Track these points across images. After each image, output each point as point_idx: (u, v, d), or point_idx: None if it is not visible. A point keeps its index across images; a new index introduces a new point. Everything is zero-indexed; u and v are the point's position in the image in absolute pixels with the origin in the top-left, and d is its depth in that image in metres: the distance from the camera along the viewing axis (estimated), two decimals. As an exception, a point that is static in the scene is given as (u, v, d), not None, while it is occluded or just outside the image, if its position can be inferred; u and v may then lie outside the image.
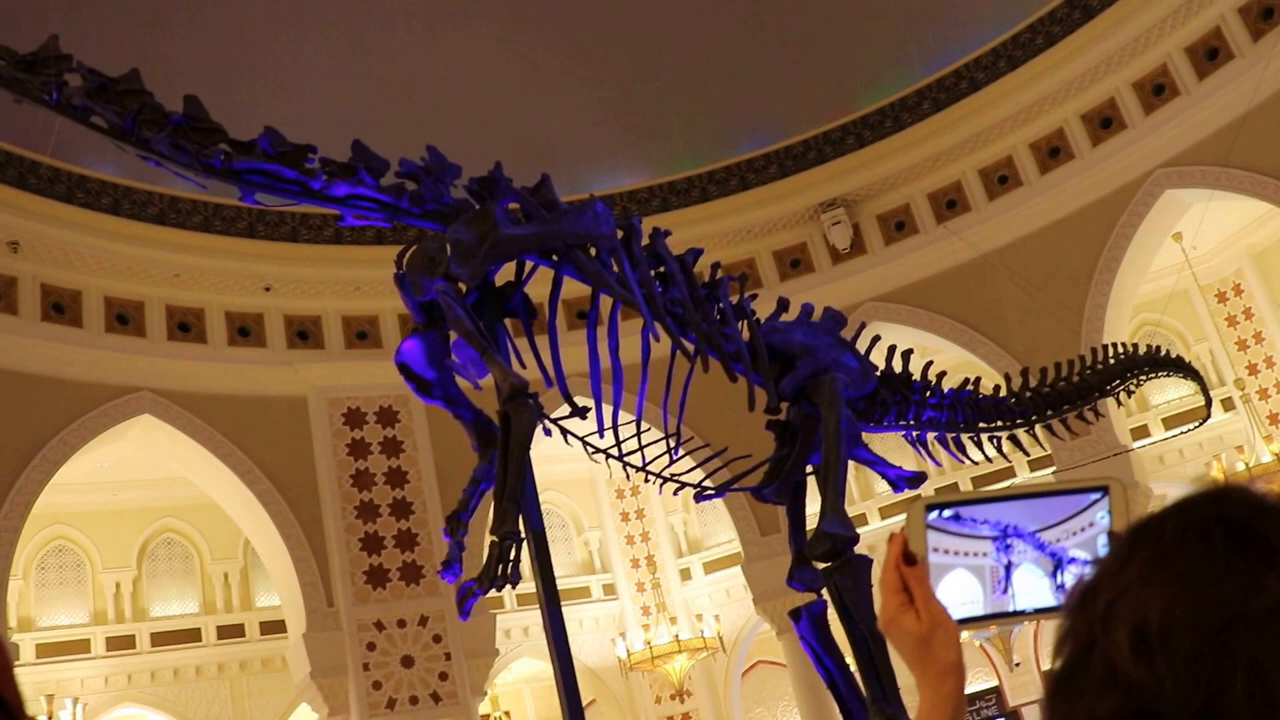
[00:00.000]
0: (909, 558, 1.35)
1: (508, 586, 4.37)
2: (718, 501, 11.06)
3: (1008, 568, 1.36)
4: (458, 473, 8.92)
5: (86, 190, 12.17)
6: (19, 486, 11.21)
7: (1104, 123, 13.30)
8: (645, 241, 5.41)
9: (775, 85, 14.84)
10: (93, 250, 12.15)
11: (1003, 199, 13.79)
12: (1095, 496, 1.35)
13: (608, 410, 5.37)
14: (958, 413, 6.66)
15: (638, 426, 5.65)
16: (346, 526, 12.81)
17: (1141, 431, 15.45)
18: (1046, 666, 13.50)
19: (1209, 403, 11.74)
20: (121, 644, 15.31)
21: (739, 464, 5.74)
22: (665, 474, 5.86)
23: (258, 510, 12.65)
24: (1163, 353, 9.13)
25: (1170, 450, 15.39)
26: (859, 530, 5.60)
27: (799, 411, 5.62)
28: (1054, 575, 1.35)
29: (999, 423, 7.10)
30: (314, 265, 13.43)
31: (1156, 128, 12.86)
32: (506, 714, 16.59)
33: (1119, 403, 9.08)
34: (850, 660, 5.33)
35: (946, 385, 6.73)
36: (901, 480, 5.95)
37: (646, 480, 5.90)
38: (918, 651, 1.33)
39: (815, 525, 5.25)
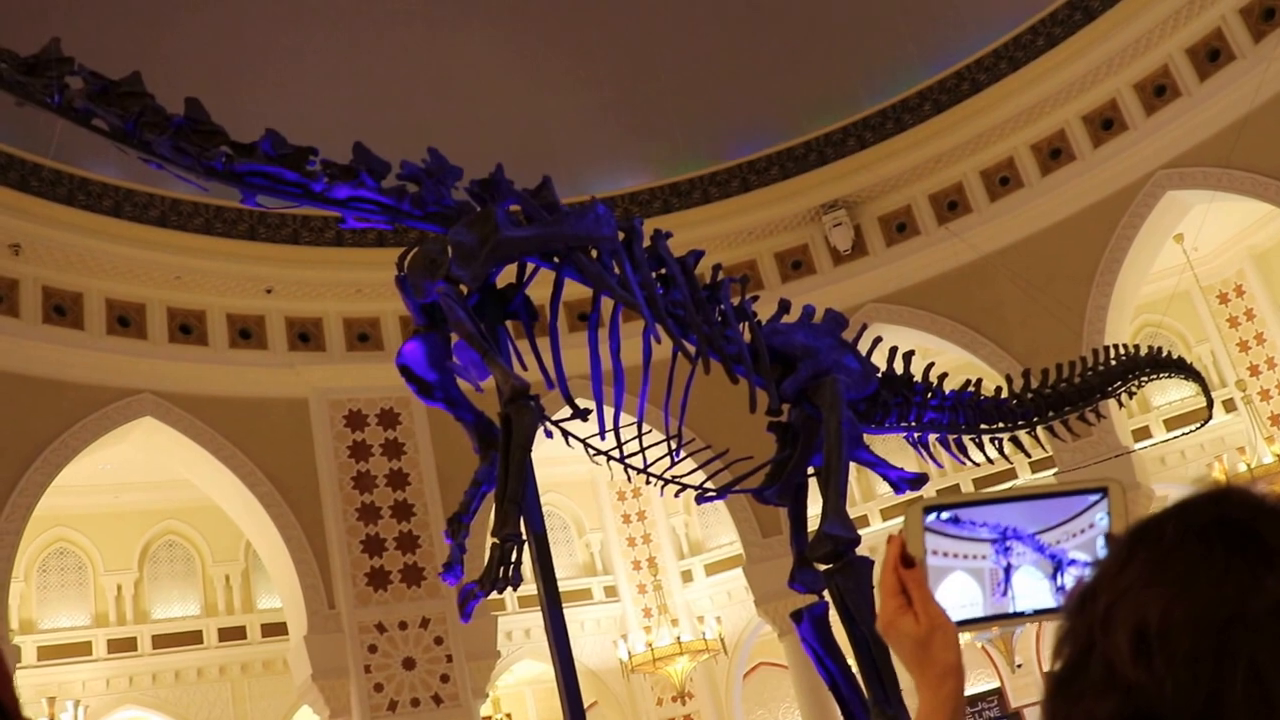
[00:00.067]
0: (907, 560, 1.35)
1: (509, 588, 4.37)
2: (719, 503, 11.05)
3: (1007, 570, 1.36)
4: (459, 475, 8.90)
5: (88, 193, 12.17)
6: (20, 489, 11.22)
7: (1105, 124, 13.29)
8: (646, 243, 5.41)
9: (776, 86, 14.82)
10: (94, 252, 12.15)
11: (1004, 200, 13.77)
12: (1094, 498, 1.35)
13: (609, 412, 5.37)
14: (959, 414, 6.65)
15: (639, 428, 5.65)
16: (348, 528, 12.81)
17: (1143, 433, 15.45)
18: (1048, 668, 13.47)
19: (1210, 404, 11.71)
20: (123, 646, 15.32)
21: (740, 466, 5.73)
22: (667, 476, 5.86)
23: (259, 512, 12.64)
24: (1164, 354, 9.11)
25: (1172, 451, 15.39)
26: (860, 532, 5.60)
27: (800, 413, 5.62)
28: (1054, 577, 1.35)
29: (1000, 424, 7.09)
30: (315, 267, 13.43)
31: (1158, 129, 12.85)
32: (508, 716, 16.61)
33: (1120, 404, 9.06)
34: (852, 662, 5.33)
35: (948, 387, 6.73)
36: (903, 482, 5.95)
37: (648, 482, 5.90)
38: (916, 653, 1.33)
39: (817, 527, 5.25)
